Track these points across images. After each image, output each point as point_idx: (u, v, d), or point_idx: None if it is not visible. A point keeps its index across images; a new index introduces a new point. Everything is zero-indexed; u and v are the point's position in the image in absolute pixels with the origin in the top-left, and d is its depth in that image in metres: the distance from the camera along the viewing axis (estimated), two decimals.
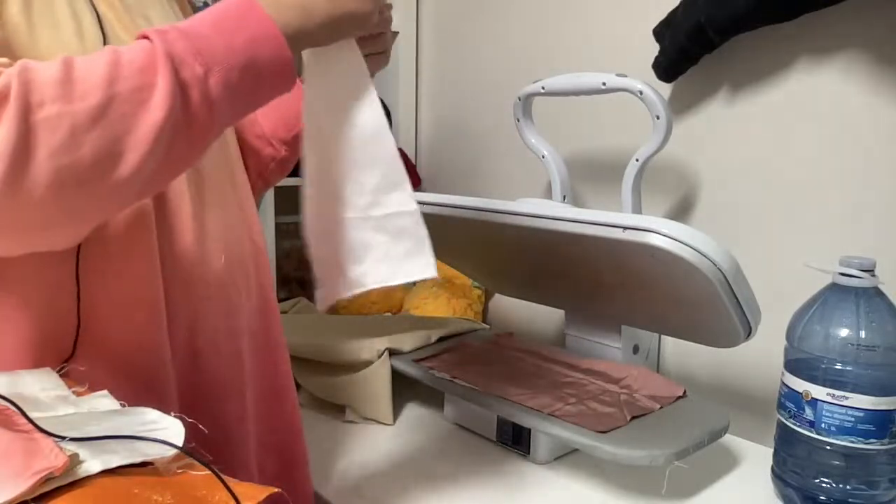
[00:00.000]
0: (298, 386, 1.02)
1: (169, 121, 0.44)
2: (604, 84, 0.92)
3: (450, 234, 1.02)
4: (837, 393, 0.70)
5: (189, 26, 0.47)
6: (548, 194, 1.13)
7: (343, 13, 0.54)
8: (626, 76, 0.91)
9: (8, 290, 0.51)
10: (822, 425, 0.71)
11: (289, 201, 1.27)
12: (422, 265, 0.60)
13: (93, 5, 0.54)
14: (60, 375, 0.51)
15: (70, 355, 0.53)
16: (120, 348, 0.55)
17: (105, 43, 0.53)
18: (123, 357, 0.55)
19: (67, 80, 0.42)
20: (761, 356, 0.95)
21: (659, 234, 0.72)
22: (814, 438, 0.72)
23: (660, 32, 0.98)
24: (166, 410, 0.54)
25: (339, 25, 0.54)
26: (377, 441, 0.91)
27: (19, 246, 0.46)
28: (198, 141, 0.48)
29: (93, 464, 0.39)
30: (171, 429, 0.45)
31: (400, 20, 1.37)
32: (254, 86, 0.49)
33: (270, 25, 0.49)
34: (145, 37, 0.46)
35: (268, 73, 0.50)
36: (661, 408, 0.84)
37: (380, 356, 0.97)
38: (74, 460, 0.38)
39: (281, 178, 0.81)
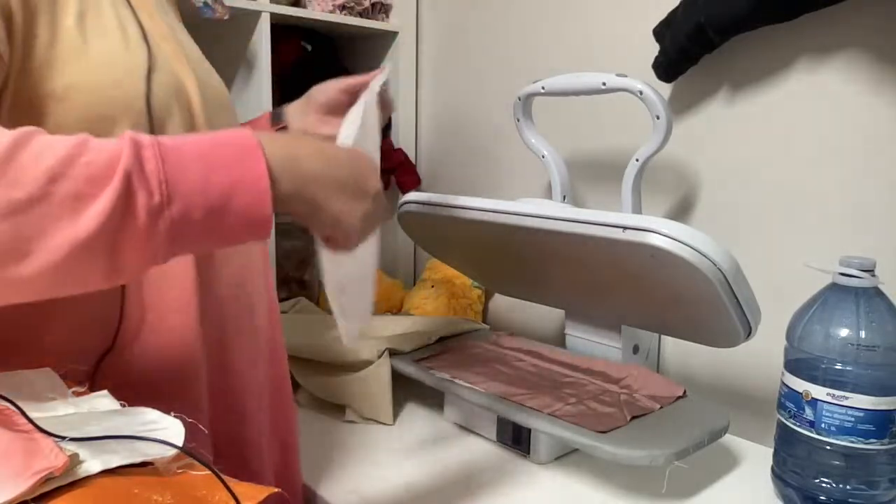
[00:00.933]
0: (298, 386, 1.02)
1: (96, 238, 0.40)
2: (604, 84, 0.92)
3: (450, 234, 1.02)
4: (837, 393, 0.70)
5: (176, 146, 0.44)
6: (548, 194, 1.13)
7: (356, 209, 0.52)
8: (626, 76, 0.91)
9: None
10: (822, 425, 0.71)
11: None
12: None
13: (136, 17, 0.56)
14: (60, 376, 0.51)
15: (110, 347, 0.55)
16: (157, 343, 0.57)
17: (149, 52, 0.55)
18: (160, 352, 0.57)
19: (9, 160, 0.39)
20: (761, 356, 0.95)
21: (659, 234, 0.72)
22: (814, 438, 0.72)
23: (660, 32, 0.98)
24: (199, 405, 0.60)
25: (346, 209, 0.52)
26: (377, 441, 0.91)
27: None
28: (149, 258, 0.43)
29: (93, 464, 0.39)
30: (171, 429, 0.45)
31: (400, 20, 1.37)
32: (216, 230, 0.45)
33: (262, 176, 0.45)
34: (121, 137, 0.43)
35: (237, 223, 0.45)
36: (661, 408, 0.84)
37: (380, 356, 0.97)
38: (74, 460, 0.38)
39: None
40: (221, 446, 0.63)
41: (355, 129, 0.62)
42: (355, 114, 0.66)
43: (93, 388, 0.53)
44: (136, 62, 0.54)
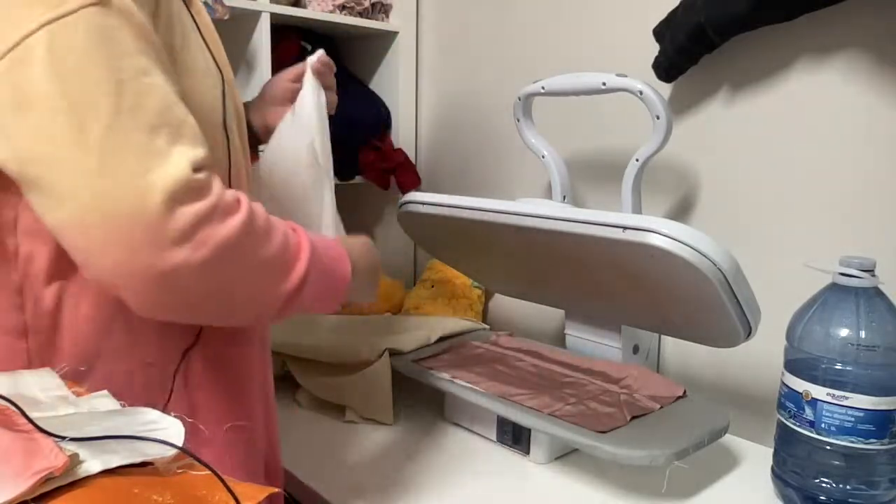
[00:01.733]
0: (298, 386, 1.02)
1: (287, 294, 0.56)
2: (604, 84, 0.92)
3: (450, 234, 1.02)
4: (837, 393, 0.70)
5: (315, 243, 0.59)
6: (548, 194, 1.13)
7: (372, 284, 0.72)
8: (626, 76, 0.91)
9: None
10: (822, 425, 0.71)
11: None
12: None
13: (205, 42, 0.61)
14: (60, 376, 0.51)
15: (193, 343, 0.61)
16: (229, 339, 0.64)
17: (222, 78, 0.62)
18: (229, 349, 0.64)
19: (268, 231, 0.54)
20: (761, 356, 0.95)
21: (659, 234, 0.72)
22: (814, 438, 0.72)
23: (660, 32, 0.98)
24: (255, 398, 0.69)
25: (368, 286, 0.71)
26: (377, 441, 0.91)
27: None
28: (286, 315, 0.59)
29: (93, 464, 0.39)
30: (171, 429, 0.45)
31: (400, 20, 1.37)
32: (320, 300, 0.61)
33: (347, 277, 0.63)
34: (285, 223, 0.58)
35: (326, 304, 0.62)
36: (661, 408, 0.84)
37: (380, 356, 0.97)
38: (74, 460, 0.38)
39: None
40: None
41: (290, 115, 0.76)
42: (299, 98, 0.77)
43: (175, 383, 0.61)
44: (215, 86, 0.61)
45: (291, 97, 0.78)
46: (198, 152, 0.50)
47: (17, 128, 0.46)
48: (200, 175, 0.49)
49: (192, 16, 0.61)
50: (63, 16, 0.46)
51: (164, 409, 0.58)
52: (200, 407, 0.62)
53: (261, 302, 0.55)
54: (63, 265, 0.53)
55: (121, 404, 0.50)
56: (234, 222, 0.50)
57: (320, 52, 0.79)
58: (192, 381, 0.62)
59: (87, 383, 0.56)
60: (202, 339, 0.62)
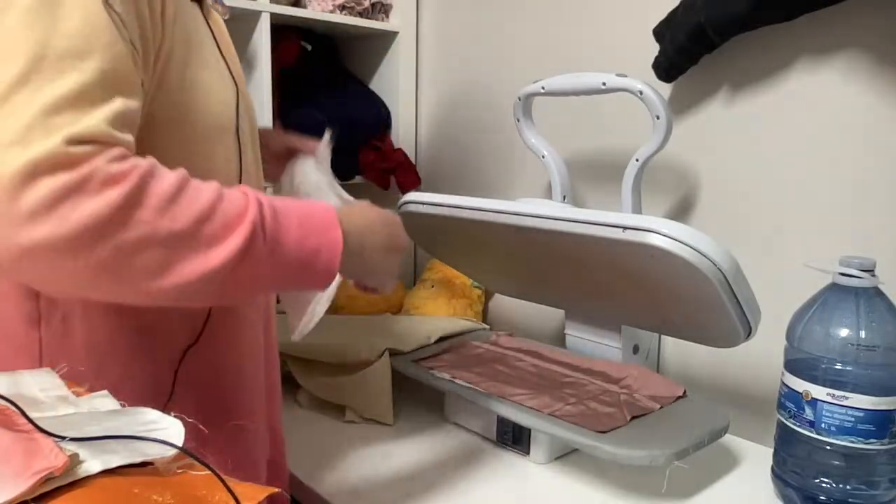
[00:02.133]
0: (298, 386, 1.02)
1: (219, 271, 0.49)
2: (604, 84, 0.92)
3: (450, 234, 1.02)
4: (837, 393, 0.70)
5: (283, 208, 0.54)
6: (548, 194, 1.13)
7: (390, 251, 0.64)
8: (626, 76, 0.91)
9: None
10: (822, 425, 0.71)
11: None
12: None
13: (221, 52, 0.62)
14: (60, 376, 0.51)
15: (194, 341, 0.62)
16: (232, 339, 0.64)
17: (236, 87, 0.62)
18: (231, 348, 0.65)
19: (172, 200, 0.48)
20: (761, 356, 0.95)
21: (659, 234, 0.72)
22: (814, 438, 0.72)
23: (660, 32, 0.98)
24: (259, 399, 0.70)
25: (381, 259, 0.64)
26: (377, 441, 0.91)
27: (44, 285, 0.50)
28: (247, 293, 0.56)
29: (93, 464, 0.39)
30: (171, 429, 0.45)
31: (400, 20, 1.37)
32: (298, 279, 0.56)
33: (338, 243, 0.56)
34: (244, 192, 0.52)
35: (315, 276, 0.57)
36: (661, 408, 0.84)
37: (380, 356, 0.97)
38: (74, 460, 0.38)
39: None
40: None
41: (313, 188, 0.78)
42: (304, 172, 0.80)
43: (176, 380, 0.61)
44: (229, 95, 0.61)
45: (283, 157, 0.81)
46: (90, 126, 0.46)
47: None
48: (77, 148, 0.45)
49: (209, 27, 0.62)
50: None
51: (167, 407, 0.59)
52: (201, 405, 0.63)
53: (171, 280, 0.48)
54: None
55: (121, 404, 0.50)
56: (110, 195, 0.45)
57: (327, 140, 0.82)
58: (193, 380, 0.63)
59: (95, 379, 0.56)
60: (203, 338, 0.62)
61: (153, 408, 0.57)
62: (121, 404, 0.50)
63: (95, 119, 0.47)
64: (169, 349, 0.61)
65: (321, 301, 0.69)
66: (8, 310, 0.56)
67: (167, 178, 0.48)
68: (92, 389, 0.55)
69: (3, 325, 0.56)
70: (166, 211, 0.47)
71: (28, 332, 0.56)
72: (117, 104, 0.48)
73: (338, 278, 0.62)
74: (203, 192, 0.50)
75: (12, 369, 0.54)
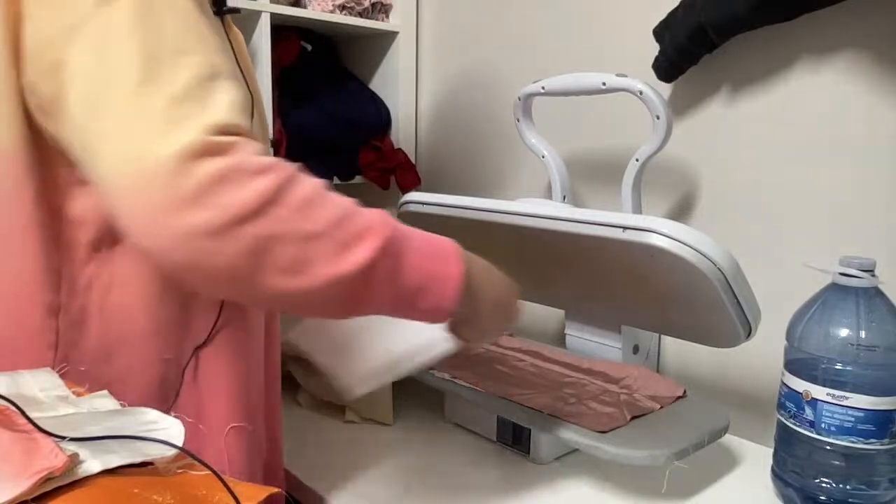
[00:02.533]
0: (298, 386, 1.02)
1: (346, 279, 0.50)
2: (604, 84, 0.92)
3: (450, 235, 1.02)
4: (837, 393, 0.70)
5: (409, 234, 0.56)
6: (548, 194, 1.13)
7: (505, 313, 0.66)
8: (626, 76, 0.91)
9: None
10: (822, 425, 0.71)
11: None
12: None
13: (235, 56, 0.64)
14: (60, 375, 0.51)
15: (205, 342, 0.63)
16: (241, 342, 0.65)
17: (250, 93, 0.64)
18: (239, 351, 0.65)
19: (311, 202, 0.50)
20: (761, 356, 0.95)
21: (659, 234, 0.72)
22: (814, 438, 0.72)
23: (660, 32, 0.98)
24: (261, 400, 0.70)
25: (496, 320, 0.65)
26: (377, 441, 0.91)
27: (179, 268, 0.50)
28: (364, 307, 0.55)
29: (93, 464, 0.39)
30: (171, 429, 0.45)
31: (400, 20, 1.37)
32: (408, 303, 0.57)
33: (456, 280, 0.57)
34: (377, 210, 0.54)
35: (429, 306, 0.57)
36: (661, 408, 0.84)
37: None
38: (74, 460, 0.38)
39: None
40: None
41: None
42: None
43: (184, 380, 0.62)
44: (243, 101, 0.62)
45: None
46: (222, 117, 0.48)
47: (68, 100, 0.49)
48: (221, 138, 0.47)
49: (229, 40, 0.64)
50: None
51: (174, 406, 0.60)
52: (206, 406, 0.64)
53: (306, 282, 0.49)
54: (99, 253, 0.57)
55: (121, 404, 0.50)
56: (258, 186, 0.47)
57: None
58: (200, 380, 0.63)
59: (106, 374, 0.59)
60: (214, 339, 0.63)
61: (160, 405, 0.59)
62: (121, 404, 0.50)
63: (221, 108, 0.49)
64: (179, 348, 0.62)
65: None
66: (28, 299, 0.57)
67: (308, 181, 0.51)
68: (102, 382, 0.57)
69: (21, 313, 0.57)
70: (305, 211, 0.49)
71: (46, 320, 0.57)
72: (232, 93, 0.51)
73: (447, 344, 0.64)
74: (339, 200, 0.52)
75: (26, 356, 0.56)
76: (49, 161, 0.55)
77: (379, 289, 0.53)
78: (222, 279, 0.49)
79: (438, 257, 0.57)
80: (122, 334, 0.59)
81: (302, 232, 0.49)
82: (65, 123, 0.51)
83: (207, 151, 0.46)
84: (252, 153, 0.48)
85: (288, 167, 0.50)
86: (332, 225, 0.50)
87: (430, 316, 0.58)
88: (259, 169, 0.48)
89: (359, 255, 0.51)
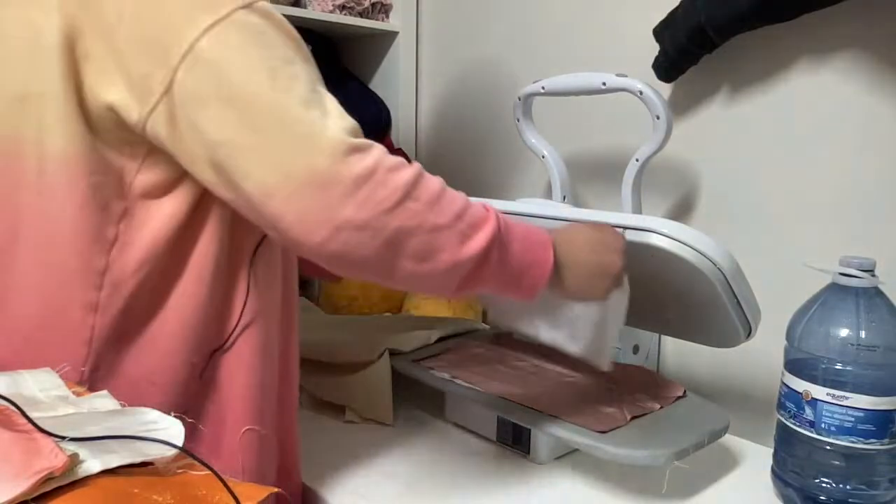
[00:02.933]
0: (298, 386, 1.02)
1: (463, 264, 0.57)
2: (604, 84, 0.92)
3: None
4: (837, 393, 0.70)
5: (512, 224, 0.62)
6: (548, 194, 1.13)
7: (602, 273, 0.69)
8: (626, 76, 0.91)
9: (198, 264, 0.61)
10: (822, 425, 0.71)
11: None
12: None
13: None
14: (60, 375, 0.51)
15: (221, 346, 0.64)
16: (257, 346, 0.66)
17: None
18: (262, 352, 0.66)
19: (439, 197, 0.56)
20: (761, 356, 0.95)
21: (659, 234, 0.72)
22: (814, 438, 0.72)
23: (660, 32, 0.98)
24: (275, 405, 0.71)
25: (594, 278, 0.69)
26: (377, 441, 0.90)
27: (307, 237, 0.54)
28: (471, 288, 0.60)
29: (93, 464, 0.39)
30: (171, 429, 0.45)
31: (400, 20, 1.37)
32: (508, 284, 0.63)
33: (549, 263, 0.63)
34: (483, 203, 0.61)
35: (524, 287, 0.64)
36: (661, 408, 0.84)
37: (380, 356, 0.97)
38: (74, 460, 0.38)
39: None
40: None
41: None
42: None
43: (202, 380, 0.63)
44: None
45: None
46: (348, 121, 0.55)
47: (199, 121, 0.53)
48: (357, 139, 0.54)
49: None
50: (221, 19, 0.53)
51: (192, 408, 0.62)
52: (222, 409, 0.65)
53: (432, 266, 0.56)
54: (145, 256, 0.59)
55: (121, 404, 0.50)
56: (397, 181, 0.53)
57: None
58: (217, 383, 0.65)
59: (134, 373, 0.61)
60: (231, 343, 0.65)
61: (182, 405, 0.60)
62: (121, 404, 0.50)
63: (340, 110, 0.56)
64: (200, 351, 0.63)
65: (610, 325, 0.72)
66: (70, 295, 0.58)
67: (434, 178, 0.57)
68: (132, 381, 0.60)
69: (60, 310, 0.58)
70: (433, 205, 0.55)
71: (84, 318, 0.59)
72: (330, 94, 0.57)
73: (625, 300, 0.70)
74: (457, 195, 0.58)
75: (60, 349, 0.58)
76: (105, 167, 0.57)
77: (490, 272, 0.59)
78: (366, 266, 0.55)
79: (536, 244, 0.63)
80: (153, 336, 0.61)
81: (432, 224, 0.55)
82: (188, 140, 0.54)
83: (352, 151, 0.52)
84: (384, 152, 0.54)
85: (415, 164, 0.56)
86: (455, 217, 0.56)
87: (524, 294, 0.64)
88: (395, 166, 0.54)
89: (476, 244, 0.57)
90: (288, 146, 0.52)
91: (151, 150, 0.57)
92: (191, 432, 0.53)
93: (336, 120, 0.54)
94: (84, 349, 0.59)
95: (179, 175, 0.58)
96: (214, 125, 0.53)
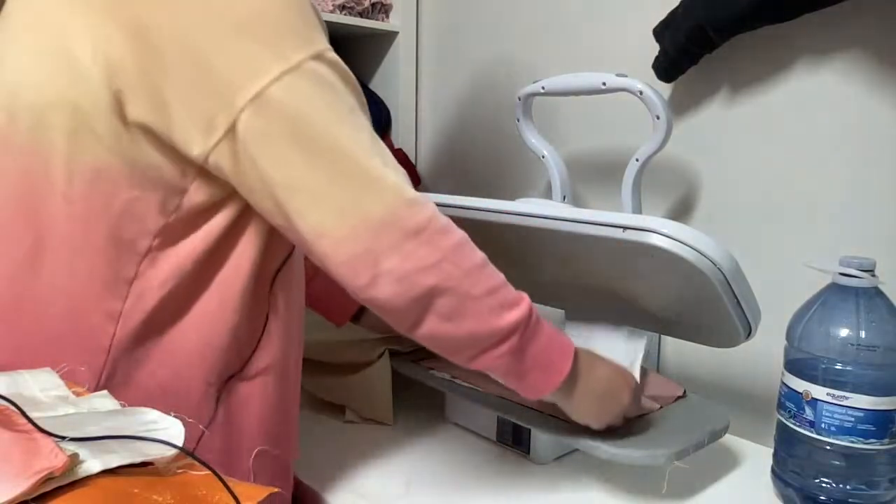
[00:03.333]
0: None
1: (483, 340, 0.60)
2: (604, 84, 0.92)
3: None
4: (837, 393, 0.70)
5: (542, 323, 0.65)
6: (548, 194, 1.13)
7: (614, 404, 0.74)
8: (626, 76, 0.91)
9: (224, 283, 0.62)
10: (822, 425, 0.71)
11: None
12: None
13: None
14: (60, 376, 0.51)
15: (238, 371, 0.65)
16: (273, 372, 0.67)
17: None
18: (266, 381, 0.67)
19: (477, 269, 0.59)
20: (761, 356, 0.95)
21: (659, 234, 0.72)
22: (814, 438, 0.72)
23: (660, 32, 0.98)
24: (289, 424, 0.72)
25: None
26: (377, 441, 0.91)
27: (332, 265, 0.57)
28: (485, 366, 0.63)
29: (93, 464, 0.39)
30: (171, 429, 0.45)
31: (400, 20, 1.37)
32: (518, 376, 0.65)
33: (563, 373, 0.66)
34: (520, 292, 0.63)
35: (527, 383, 0.66)
36: (661, 408, 0.84)
37: (380, 356, 0.97)
38: (74, 460, 0.38)
39: None
40: None
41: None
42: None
43: (217, 403, 0.64)
44: None
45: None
46: (402, 172, 0.58)
47: (263, 161, 0.54)
48: (415, 193, 0.57)
49: None
50: (292, 69, 0.54)
51: (208, 428, 0.63)
52: (233, 430, 0.65)
53: (454, 330, 0.59)
54: (176, 274, 0.59)
55: (121, 404, 0.50)
56: (443, 243, 0.57)
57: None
58: (230, 408, 0.65)
59: (150, 384, 0.61)
60: (248, 371, 0.65)
61: (193, 427, 0.60)
62: (121, 404, 0.50)
63: (393, 159, 0.58)
64: (217, 372, 0.63)
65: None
66: (93, 304, 0.58)
67: (476, 251, 0.60)
68: (147, 391, 0.60)
69: (82, 317, 0.58)
70: (472, 274, 0.58)
71: (105, 325, 0.59)
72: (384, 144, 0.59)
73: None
74: (496, 272, 0.61)
75: (77, 354, 0.57)
76: (147, 183, 0.57)
77: (507, 354, 0.62)
78: (395, 314, 0.58)
79: (559, 350, 0.67)
80: (172, 350, 0.61)
81: (465, 291, 0.58)
82: (249, 175, 0.55)
83: (410, 204, 0.56)
84: (436, 210, 0.58)
85: (462, 233, 0.59)
86: (488, 291, 0.59)
87: (529, 390, 0.67)
88: (444, 228, 0.57)
89: (502, 322, 0.60)
90: (349, 192, 0.55)
91: (202, 171, 0.58)
92: (203, 450, 0.54)
93: (395, 170, 0.57)
94: (102, 357, 0.59)
95: (226, 195, 0.59)
96: (278, 167, 0.54)
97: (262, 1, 0.55)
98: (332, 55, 0.58)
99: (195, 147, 0.55)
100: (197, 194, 0.58)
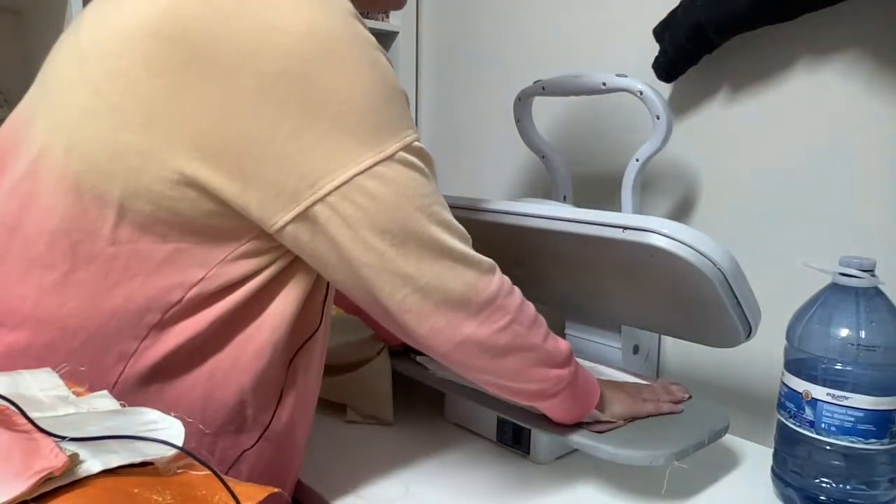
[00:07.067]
0: None
1: (548, 388, 0.69)
2: (604, 84, 0.92)
3: None
4: (837, 393, 0.70)
5: (584, 372, 0.74)
6: (548, 194, 1.13)
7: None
8: (626, 76, 0.91)
9: (239, 346, 0.62)
10: (822, 425, 0.71)
11: None
12: None
13: None
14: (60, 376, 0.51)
15: (301, 346, 0.67)
16: (286, 434, 0.69)
17: None
18: (283, 441, 0.69)
19: (533, 322, 0.66)
20: (761, 356, 0.95)
21: (659, 234, 0.72)
22: (814, 438, 0.72)
23: (660, 32, 0.98)
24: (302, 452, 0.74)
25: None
26: (377, 441, 0.91)
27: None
28: (532, 402, 0.73)
29: (93, 464, 0.39)
30: (171, 429, 0.45)
31: (400, 20, 1.37)
32: (554, 410, 0.74)
33: (588, 409, 0.76)
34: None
35: (559, 415, 0.75)
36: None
37: (379, 352, 0.97)
38: (74, 460, 0.38)
39: None
40: None
41: None
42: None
43: (211, 456, 0.63)
44: None
45: None
46: (468, 238, 0.62)
47: (345, 242, 0.56)
48: (484, 263, 0.62)
49: None
50: (385, 159, 0.56)
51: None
52: (254, 470, 0.66)
53: (518, 380, 0.66)
54: (204, 329, 0.59)
55: (120, 404, 0.50)
56: (511, 305, 0.63)
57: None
58: (222, 461, 0.64)
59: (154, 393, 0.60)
60: (247, 431, 0.65)
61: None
62: (121, 404, 0.50)
63: (462, 231, 0.63)
64: (217, 427, 0.63)
65: None
66: (109, 345, 0.58)
67: (527, 302, 0.66)
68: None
69: (96, 354, 0.58)
70: (532, 327, 0.65)
71: (115, 364, 0.58)
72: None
73: None
74: (541, 319, 0.68)
75: (79, 386, 0.55)
76: (192, 238, 0.57)
77: (561, 395, 0.70)
78: (473, 368, 0.64)
79: (590, 395, 0.75)
80: (176, 397, 0.60)
81: (530, 343, 0.65)
82: (325, 252, 0.58)
83: (482, 277, 0.61)
84: (502, 276, 0.64)
85: (516, 289, 0.65)
86: (543, 339, 0.67)
87: (555, 415, 0.76)
88: (508, 292, 0.63)
89: (560, 370, 0.69)
90: (434, 274, 0.59)
91: (259, 235, 0.58)
92: None
93: (465, 240, 0.62)
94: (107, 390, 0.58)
95: (269, 263, 0.60)
96: (362, 249, 0.57)
97: (363, 95, 0.55)
98: (419, 144, 0.60)
99: (268, 217, 0.56)
100: (243, 257, 0.59)
